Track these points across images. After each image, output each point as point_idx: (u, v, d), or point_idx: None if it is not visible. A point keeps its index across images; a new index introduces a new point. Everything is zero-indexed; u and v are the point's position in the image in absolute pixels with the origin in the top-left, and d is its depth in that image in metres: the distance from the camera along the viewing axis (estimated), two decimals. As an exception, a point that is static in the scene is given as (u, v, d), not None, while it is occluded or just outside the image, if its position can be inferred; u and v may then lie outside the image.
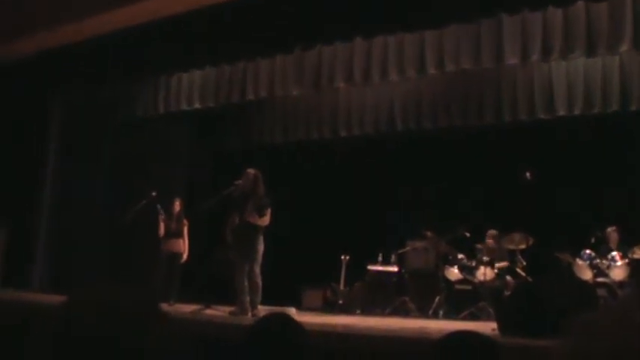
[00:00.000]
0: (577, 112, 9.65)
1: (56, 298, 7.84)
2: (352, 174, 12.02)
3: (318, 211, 12.06)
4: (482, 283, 9.87)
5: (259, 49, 9.98)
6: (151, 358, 1.20)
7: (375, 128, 11.36)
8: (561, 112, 9.72)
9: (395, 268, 11.09)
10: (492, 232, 10.22)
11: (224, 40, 10.05)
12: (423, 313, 10.09)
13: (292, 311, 8.81)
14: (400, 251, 11.02)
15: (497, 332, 5.84)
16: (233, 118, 12.60)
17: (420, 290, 10.60)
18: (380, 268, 11.14)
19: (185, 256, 10.45)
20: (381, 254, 11.16)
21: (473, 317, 9.49)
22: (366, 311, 10.63)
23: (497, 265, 9.97)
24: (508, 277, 9.88)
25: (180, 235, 10.45)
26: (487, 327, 6.23)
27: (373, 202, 11.64)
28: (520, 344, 4.84)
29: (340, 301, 10.97)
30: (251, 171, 8.46)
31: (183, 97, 11.17)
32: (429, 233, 10.43)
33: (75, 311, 1.26)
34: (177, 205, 10.53)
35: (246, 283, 8.14)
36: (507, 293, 9.16)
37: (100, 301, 1.27)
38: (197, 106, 11.09)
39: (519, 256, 9.91)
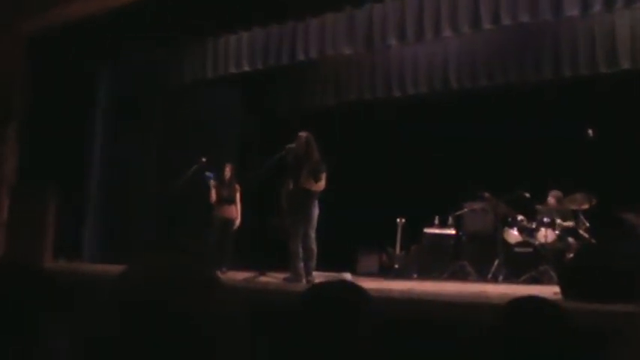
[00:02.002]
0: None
1: (111, 269, 8.01)
2: (407, 135, 11.94)
3: (372, 174, 12.02)
4: (544, 246, 9.75)
5: (309, 7, 9.92)
6: (205, 325, 1.22)
7: (429, 87, 11.26)
8: (625, 66, 9.46)
9: (452, 231, 11.06)
10: (554, 192, 10.08)
11: (272, -1, 10.04)
12: (482, 276, 10.06)
13: (347, 276, 8.84)
14: (457, 213, 10.97)
15: (559, 296, 5.76)
16: (283, 80, 12.59)
17: (479, 253, 10.58)
18: (437, 230, 11.13)
19: (238, 222, 10.54)
20: (437, 217, 11.15)
21: (534, 281, 9.40)
22: (423, 275, 10.62)
23: (558, 226, 9.83)
24: (570, 239, 9.74)
25: (232, 201, 10.53)
26: (549, 291, 6.20)
27: (428, 163, 11.55)
28: (584, 309, 4.77)
29: (396, 266, 10.99)
30: (303, 134, 8.43)
31: (231, 60, 11.18)
32: (487, 194, 10.33)
33: (136, 279, 1.29)
34: (228, 171, 10.59)
35: (300, 249, 8.17)
36: (570, 255, 9.03)
37: (158, 268, 1.30)
38: (246, 68, 11.09)
39: (582, 217, 9.77)
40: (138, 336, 1.20)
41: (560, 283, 6.16)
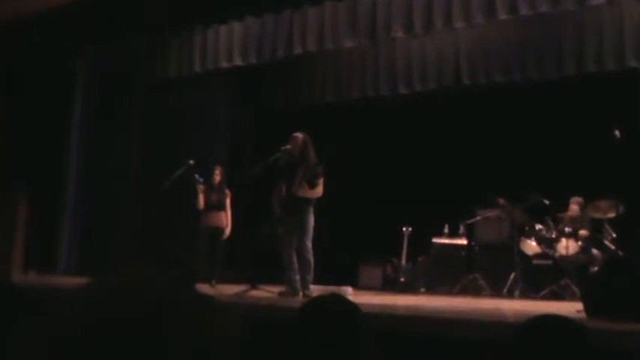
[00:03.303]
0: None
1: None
2: (413, 135, 11.91)
3: (375, 178, 12.02)
4: (565, 258, 9.71)
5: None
6: (190, 346, 1.16)
7: (439, 83, 11.24)
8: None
9: (463, 241, 11.03)
10: (576, 198, 10.05)
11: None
12: (496, 291, 10.03)
13: (348, 290, 8.86)
14: (469, 221, 10.93)
15: (582, 314, 5.72)
16: (278, 76, 12.57)
17: (493, 266, 10.54)
18: (446, 240, 11.10)
19: (228, 230, 10.50)
20: (447, 225, 11.10)
21: (554, 296, 9.38)
22: (431, 290, 10.62)
23: (581, 236, 9.78)
24: (595, 251, 9.71)
25: (222, 207, 10.49)
26: (571, 308, 6.15)
27: (438, 166, 11.52)
28: (610, 329, 4.71)
29: (402, 279, 10.94)
30: (299, 135, 8.40)
31: (222, 53, 11.16)
32: (501, 200, 10.28)
33: (98, 294, 1.22)
34: (217, 174, 10.55)
35: (295, 260, 8.14)
36: (594, 269, 9.02)
37: (131, 282, 1.23)
38: (238, 62, 11.08)
39: (607, 226, 9.73)
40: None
41: (584, 300, 6.11)
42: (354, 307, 2.75)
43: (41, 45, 11.20)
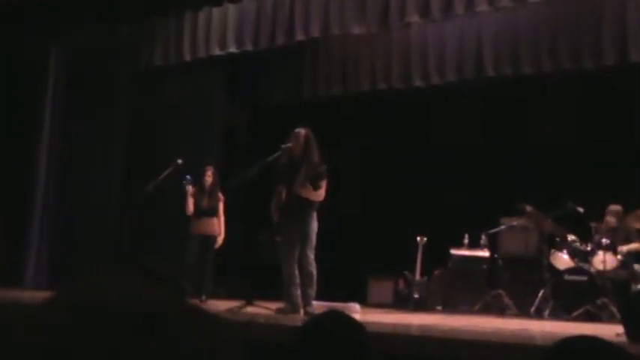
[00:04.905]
0: None
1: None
2: (429, 133, 11.92)
3: (385, 181, 12.02)
4: (602, 273, 9.66)
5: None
6: None
7: (459, 75, 11.17)
8: None
9: (485, 253, 11.01)
10: (613, 206, 9.99)
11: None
12: (523, 310, 10.03)
13: (355, 308, 8.86)
14: (492, 231, 10.91)
15: (623, 338, 5.70)
16: (277, 65, 12.55)
17: (519, 281, 10.55)
18: (466, 252, 11.11)
19: (221, 239, 10.50)
20: (467, 235, 11.07)
21: (589, 317, 9.33)
22: (449, 308, 10.64)
23: (620, 249, 9.75)
24: (637, 266, 9.69)
25: (214, 213, 10.49)
26: (608, 330, 6.14)
27: (457, 168, 11.52)
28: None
29: (416, 295, 10.92)
30: (301, 131, 8.40)
31: (214, 39, 11.17)
32: (529, 208, 10.27)
33: (61, 313, 1.13)
34: (209, 176, 10.54)
35: (296, 273, 8.14)
36: (636, 287, 8.99)
37: (103, 299, 1.13)
38: (232, 50, 11.11)
39: (651, 238, 9.71)
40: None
41: (624, 322, 6.09)
42: (360, 327, 2.75)
43: (5, 37, 11.22)
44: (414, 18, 9.96)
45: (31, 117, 12.13)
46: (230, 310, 8.20)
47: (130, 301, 1.16)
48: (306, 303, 8.10)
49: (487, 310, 10.29)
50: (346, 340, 2.65)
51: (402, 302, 11.03)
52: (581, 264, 9.97)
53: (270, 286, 8.68)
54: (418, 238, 10.96)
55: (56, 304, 1.19)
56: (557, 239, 10.27)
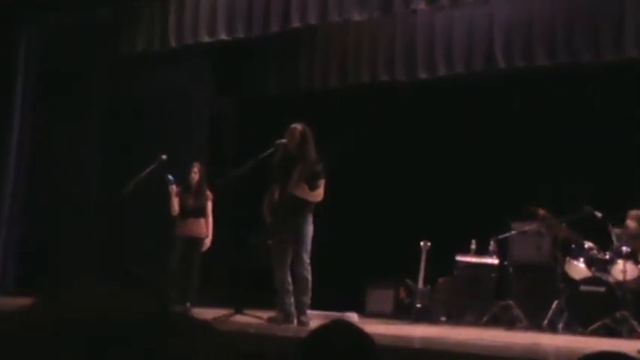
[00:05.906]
0: None
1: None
2: (434, 129, 11.95)
3: (387, 181, 12.04)
4: (622, 284, 9.66)
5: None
6: None
7: (467, 67, 11.23)
8: None
9: (494, 260, 11.00)
10: (635, 212, 10.02)
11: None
12: (535, 323, 10.00)
13: (353, 317, 8.84)
14: (502, 236, 10.89)
15: (646, 353, 5.65)
16: (271, 54, 12.59)
17: (530, 291, 10.54)
18: (473, 259, 11.10)
19: (208, 241, 10.50)
20: (474, 240, 11.07)
21: (607, 332, 9.31)
22: (454, 319, 10.64)
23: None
24: (660, 276, 9.69)
25: (201, 213, 10.48)
26: (629, 346, 6.14)
27: (464, 167, 11.55)
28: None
29: (418, 305, 10.90)
30: (298, 126, 8.46)
31: (202, 25, 11.17)
32: (542, 211, 10.29)
33: (39, 326, 1.12)
34: (195, 173, 10.52)
35: (289, 280, 8.18)
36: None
37: (81, 308, 1.14)
38: (222, 37, 11.11)
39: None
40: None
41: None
42: (368, 339, 2.70)
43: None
44: (421, 5, 9.97)
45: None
46: (217, 319, 8.21)
47: (109, 314, 1.14)
48: (300, 312, 8.14)
49: (495, 322, 10.27)
50: (353, 354, 2.59)
51: (403, 312, 11.03)
52: (598, 273, 9.96)
53: (262, 292, 8.67)
54: (421, 243, 10.94)
55: (35, 316, 1.16)
56: (573, 246, 10.25)
